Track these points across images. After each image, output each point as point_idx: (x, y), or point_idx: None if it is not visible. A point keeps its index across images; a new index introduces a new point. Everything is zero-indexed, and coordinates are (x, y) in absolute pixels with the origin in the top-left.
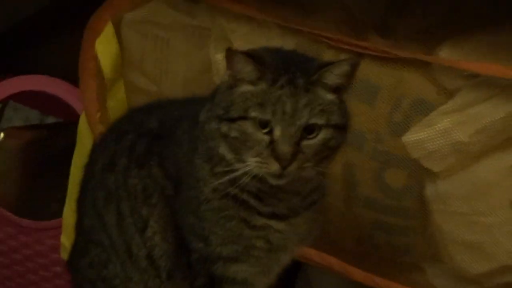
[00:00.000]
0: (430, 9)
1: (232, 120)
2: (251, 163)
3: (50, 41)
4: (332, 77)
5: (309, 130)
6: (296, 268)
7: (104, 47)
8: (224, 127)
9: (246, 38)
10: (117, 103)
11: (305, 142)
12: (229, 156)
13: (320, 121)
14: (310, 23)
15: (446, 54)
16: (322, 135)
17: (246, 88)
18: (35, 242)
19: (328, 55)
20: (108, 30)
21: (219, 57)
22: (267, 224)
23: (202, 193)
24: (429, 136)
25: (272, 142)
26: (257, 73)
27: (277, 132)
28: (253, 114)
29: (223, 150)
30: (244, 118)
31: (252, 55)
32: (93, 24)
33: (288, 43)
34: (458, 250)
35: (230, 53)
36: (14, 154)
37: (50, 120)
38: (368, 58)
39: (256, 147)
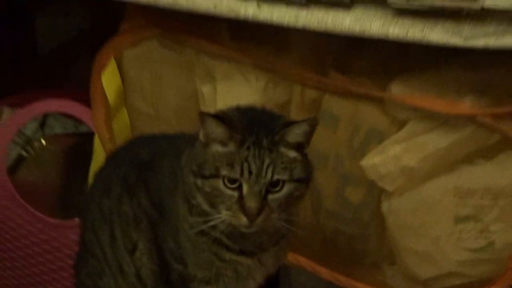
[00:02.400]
0: (383, 49)
1: (205, 177)
2: (223, 215)
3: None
4: (293, 136)
5: (274, 184)
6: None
7: (108, 80)
8: (199, 182)
9: (226, 74)
10: (122, 126)
11: (270, 196)
12: (204, 206)
13: (283, 177)
14: (281, 61)
15: (396, 90)
16: (285, 189)
17: (217, 148)
18: (60, 236)
19: (296, 90)
20: (112, 65)
21: (204, 89)
22: (236, 259)
23: (181, 225)
24: (382, 161)
25: (240, 197)
26: (227, 134)
27: (244, 189)
28: (223, 173)
29: (199, 200)
30: (215, 176)
31: (222, 118)
32: (99, 60)
33: (261, 78)
34: (409, 257)
35: (203, 116)
36: (54, 157)
37: (84, 129)
38: (330, 91)
39: (227, 201)
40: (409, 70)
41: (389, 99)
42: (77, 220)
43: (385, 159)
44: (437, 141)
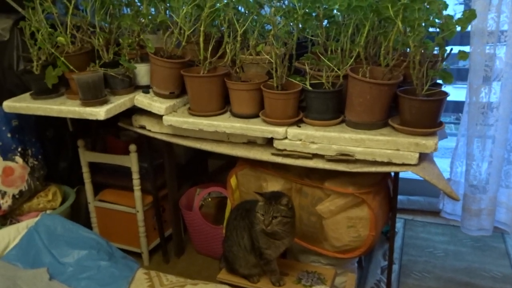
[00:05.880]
0: (323, 170)
1: (256, 213)
2: (260, 225)
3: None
4: (283, 201)
5: (274, 217)
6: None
7: (232, 181)
8: (256, 214)
9: (271, 179)
10: (237, 196)
11: (273, 221)
12: (257, 222)
13: (276, 215)
14: (288, 174)
15: (328, 184)
16: (278, 219)
17: (260, 203)
18: (216, 232)
19: (293, 184)
20: (234, 177)
21: (263, 185)
22: (273, 241)
23: (256, 228)
24: (323, 208)
25: (263, 220)
26: (262, 199)
27: (264, 217)
28: (259, 211)
29: (257, 220)
30: (257, 212)
31: (260, 193)
32: (230, 174)
33: (282, 180)
34: (331, 239)
35: (255, 193)
36: (213, 204)
37: (224, 195)
38: (305, 185)
39: (259, 220)
40: (332, 177)
41: (325, 187)
42: (222, 226)
43: (323, 207)
44: (336, 201)
